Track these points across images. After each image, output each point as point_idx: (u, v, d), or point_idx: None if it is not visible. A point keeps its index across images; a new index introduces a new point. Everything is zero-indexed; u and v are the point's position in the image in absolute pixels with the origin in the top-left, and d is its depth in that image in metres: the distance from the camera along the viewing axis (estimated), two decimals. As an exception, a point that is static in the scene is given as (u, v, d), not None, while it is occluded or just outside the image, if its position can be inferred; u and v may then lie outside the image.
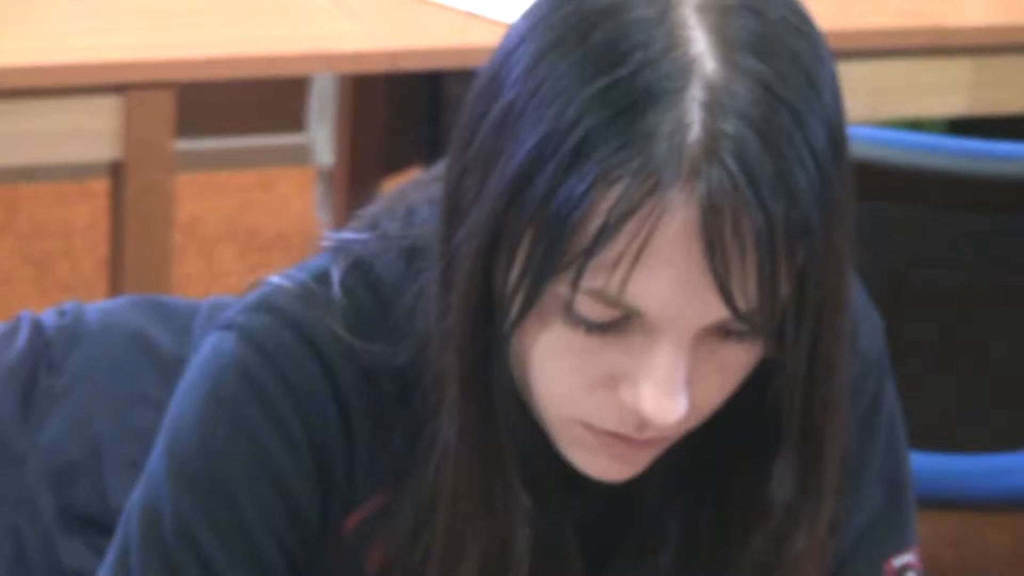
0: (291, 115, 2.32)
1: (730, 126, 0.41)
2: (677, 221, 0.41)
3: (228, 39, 1.45)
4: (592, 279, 0.42)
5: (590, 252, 0.42)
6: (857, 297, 0.53)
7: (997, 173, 1.06)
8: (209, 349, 0.52)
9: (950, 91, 1.59)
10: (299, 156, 2.36)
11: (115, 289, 1.44)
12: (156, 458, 0.52)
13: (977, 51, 1.56)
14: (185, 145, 1.87)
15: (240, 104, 2.34)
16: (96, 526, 0.62)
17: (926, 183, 1.07)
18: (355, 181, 1.97)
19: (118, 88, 1.34)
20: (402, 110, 1.98)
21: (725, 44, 0.42)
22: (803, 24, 0.44)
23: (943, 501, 1.22)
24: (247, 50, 1.44)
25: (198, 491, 0.51)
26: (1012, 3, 1.63)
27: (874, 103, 1.52)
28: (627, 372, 0.45)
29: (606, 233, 0.41)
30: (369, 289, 0.52)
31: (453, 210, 0.47)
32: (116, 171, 1.42)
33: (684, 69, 0.42)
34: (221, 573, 0.50)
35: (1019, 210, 1.08)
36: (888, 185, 1.02)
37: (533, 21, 0.45)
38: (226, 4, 1.51)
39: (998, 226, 1.09)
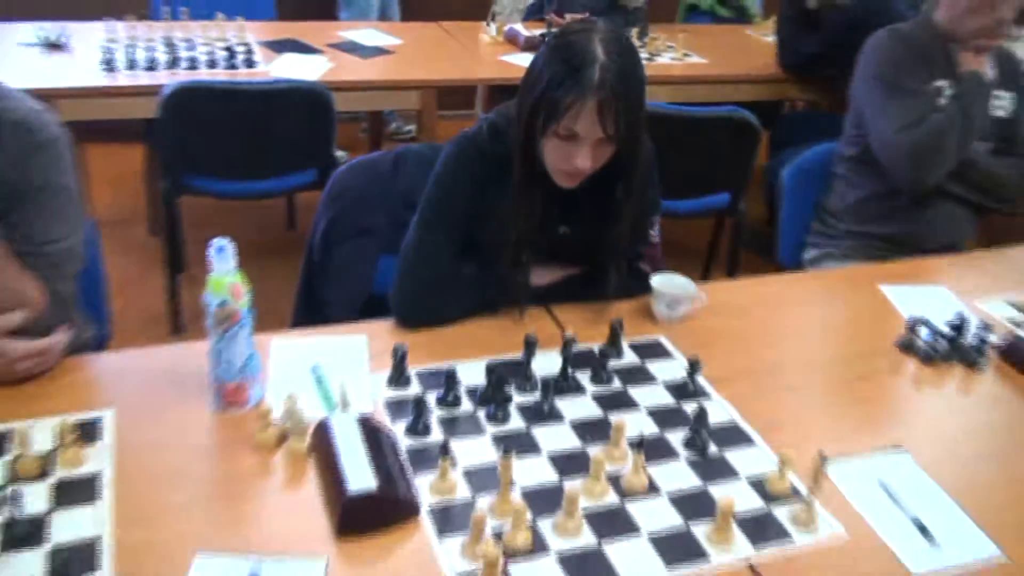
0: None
1: (609, 74, 1.62)
2: (589, 105, 1.63)
3: None
4: (563, 124, 1.65)
5: (562, 116, 1.64)
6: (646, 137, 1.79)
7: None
8: (449, 146, 1.83)
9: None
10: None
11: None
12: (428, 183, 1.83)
13: None
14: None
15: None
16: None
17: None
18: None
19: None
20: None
21: (608, 50, 1.63)
22: (634, 52, 1.68)
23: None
24: None
25: (440, 188, 1.82)
26: None
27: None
28: (574, 152, 1.67)
29: (568, 110, 1.63)
30: (493, 129, 1.81)
31: (519, 106, 1.73)
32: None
33: (593, 56, 1.63)
34: (441, 206, 1.82)
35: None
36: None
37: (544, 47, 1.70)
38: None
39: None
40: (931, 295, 2.15)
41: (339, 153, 3.41)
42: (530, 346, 1.67)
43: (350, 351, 1.72)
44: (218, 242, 1.44)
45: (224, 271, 1.45)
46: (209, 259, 1.44)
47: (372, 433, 1.44)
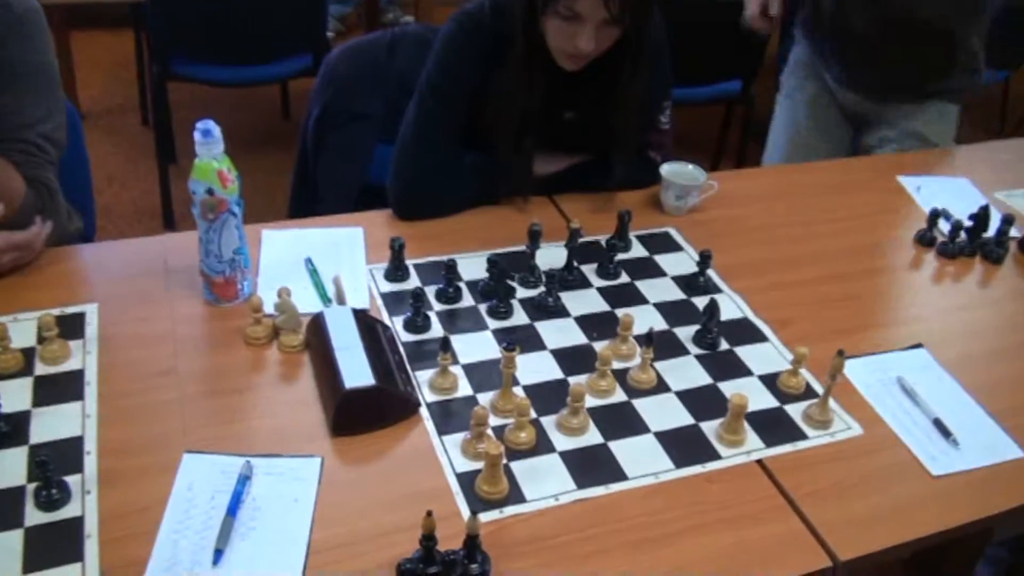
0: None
1: None
2: None
3: None
4: (564, 2, 1.58)
5: None
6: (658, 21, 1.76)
7: None
8: (449, 23, 1.73)
9: None
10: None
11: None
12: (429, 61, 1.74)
13: None
14: None
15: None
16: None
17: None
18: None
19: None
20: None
21: None
22: None
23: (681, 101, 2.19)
24: None
25: (439, 68, 1.72)
26: None
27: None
28: (576, 33, 1.60)
29: None
30: (496, 5, 1.71)
31: None
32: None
33: None
34: (441, 87, 1.72)
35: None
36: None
37: None
38: None
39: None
40: (952, 187, 2.08)
41: (330, 34, 3.30)
42: (534, 237, 1.61)
43: (346, 243, 1.68)
44: (203, 124, 1.36)
45: (211, 156, 1.37)
46: (195, 143, 1.37)
47: (369, 328, 1.40)
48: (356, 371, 1.29)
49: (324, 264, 1.60)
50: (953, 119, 2.35)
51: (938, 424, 1.38)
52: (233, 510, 1.14)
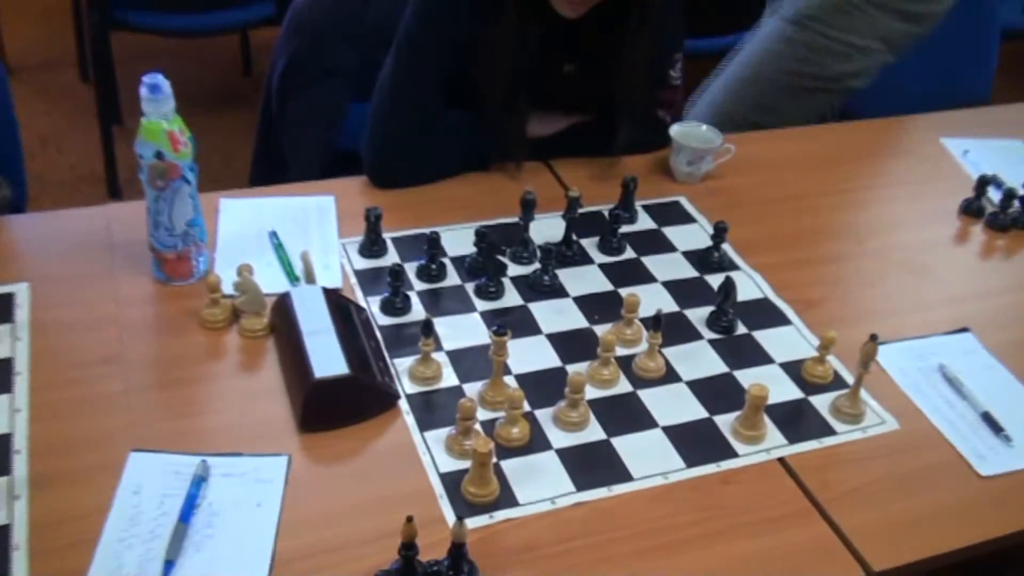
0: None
1: None
2: None
3: None
4: None
5: None
6: None
7: None
8: None
9: None
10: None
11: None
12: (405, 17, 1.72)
13: None
14: None
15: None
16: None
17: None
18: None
19: None
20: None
21: None
22: None
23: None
24: None
25: (421, 15, 1.69)
26: None
27: None
28: None
29: None
30: None
31: None
32: None
33: None
34: (422, 38, 1.70)
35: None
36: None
37: None
38: None
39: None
40: (1003, 150, 2.08)
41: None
42: (528, 207, 1.61)
43: (315, 214, 1.67)
44: (151, 78, 1.36)
45: (160, 115, 1.37)
46: (142, 100, 1.36)
47: (342, 310, 1.40)
48: (327, 359, 1.29)
49: (291, 238, 1.60)
50: None
51: (987, 418, 1.39)
52: (186, 516, 1.13)
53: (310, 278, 1.49)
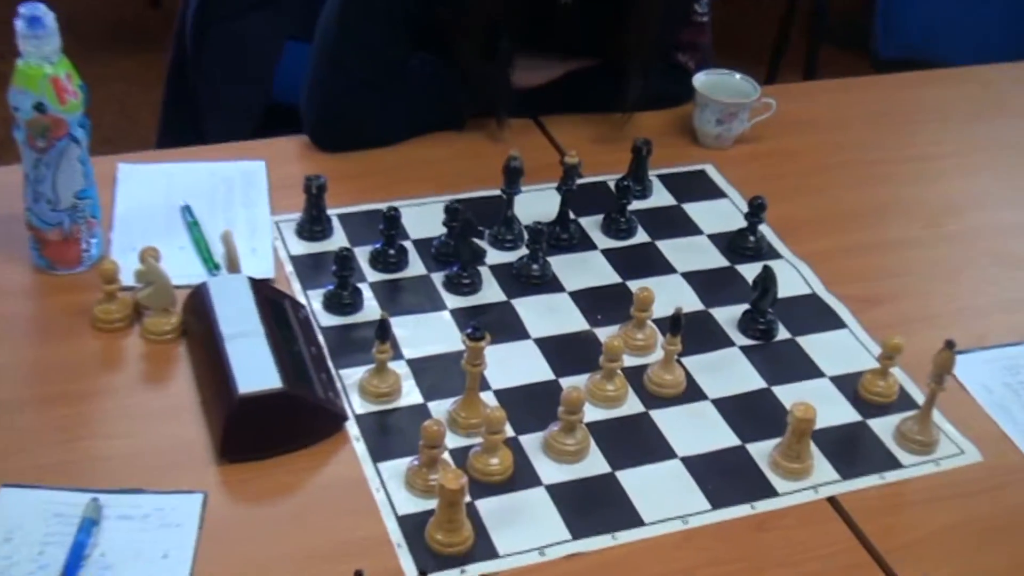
0: None
1: None
2: None
3: None
4: None
5: None
6: None
7: None
8: None
9: None
10: None
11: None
12: None
13: None
14: None
15: None
16: None
17: None
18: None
19: None
20: None
21: None
22: None
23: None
24: None
25: None
26: None
27: None
28: None
29: None
30: None
31: None
32: None
33: None
34: None
35: None
36: None
37: None
38: None
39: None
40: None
41: None
42: (513, 176, 1.60)
43: (240, 184, 1.68)
44: (29, 8, 1.36)
45: (41, 56, 1.37)
46: (18, 37, 1.36)
47: (274, 307, 1.40)
48: (255, 369, 1.29)
49: (209, 214, 1.60)
50: None
51: (1091, 447, 1.40)
52: (72, 568, 1.13)
53: (233, 266, 1.49)
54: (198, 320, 1.39)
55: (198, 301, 1.40)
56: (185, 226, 1.58)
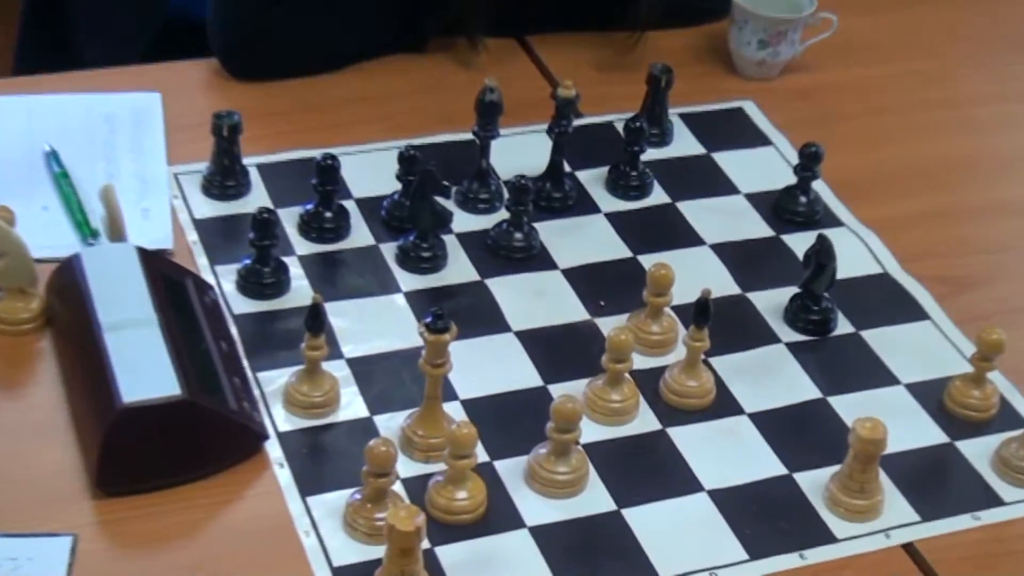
0: None
1: None
2: None
3: None
4: None
5: None
6: None
7: None
8: None
9: None
10: None
11: None
12: None
13: None
14: None
15: None
16: None
17: None
18: None
19: None
20: None
21: None
22: None
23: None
24: None
25: None
26: None
27: None
28: None
29: None
30: None
31: None
32: None
33: None
34: None
35: None
36: None
37: None
38: None
39: None
40: None
41: None
42: (489, 114, 1.61)
43: (128, 123, 1.69)
44: None
45: None
46: None
47: (172, 287, 1.41)
48: (144, 370, 1.29)
49: (84, 163, 1.61)
50: None
51: None
52: None
53: (117, 232, 1.49)
54: (67, 305, 1.39)
55: (68, 279, 1.40)
56: (51, 178, 1.59)
